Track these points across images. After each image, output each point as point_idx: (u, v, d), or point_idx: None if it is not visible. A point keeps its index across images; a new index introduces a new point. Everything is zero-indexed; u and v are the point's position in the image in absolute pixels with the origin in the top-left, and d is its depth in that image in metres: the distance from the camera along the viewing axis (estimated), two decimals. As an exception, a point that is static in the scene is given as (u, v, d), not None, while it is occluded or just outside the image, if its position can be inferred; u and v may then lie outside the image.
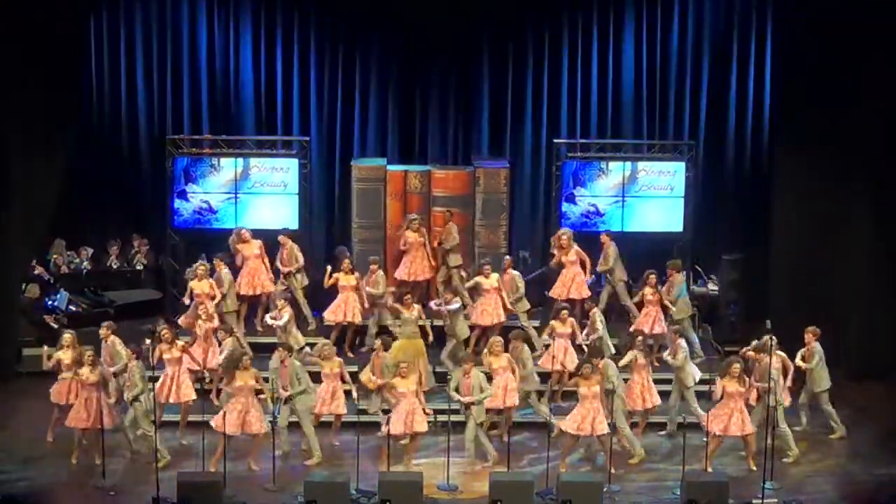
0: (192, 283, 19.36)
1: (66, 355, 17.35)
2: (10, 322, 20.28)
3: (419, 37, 22.58)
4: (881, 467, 17.31)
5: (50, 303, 21.10)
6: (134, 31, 22.75)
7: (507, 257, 20.23)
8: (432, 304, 19.31)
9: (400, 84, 23.02)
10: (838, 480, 16.90)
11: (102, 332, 17.91)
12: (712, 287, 21.73)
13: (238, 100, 22.99)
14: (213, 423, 16.68)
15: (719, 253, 22.00)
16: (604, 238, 20.64)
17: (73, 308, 21.23)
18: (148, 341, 17.62)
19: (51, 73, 20.70)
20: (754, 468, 16.88)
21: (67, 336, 17.59)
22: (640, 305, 19.79)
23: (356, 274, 19.62)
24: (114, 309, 21.53)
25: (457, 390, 17.11)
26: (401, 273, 20.34)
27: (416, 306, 18.97)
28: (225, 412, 16.66)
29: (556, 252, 20.28)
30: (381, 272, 19.80)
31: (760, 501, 15.58)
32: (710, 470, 16.70)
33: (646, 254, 20.89)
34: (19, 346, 20.35)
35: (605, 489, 16.10)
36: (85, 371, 16.81)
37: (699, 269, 21.80)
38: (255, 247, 20.06)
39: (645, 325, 19.39)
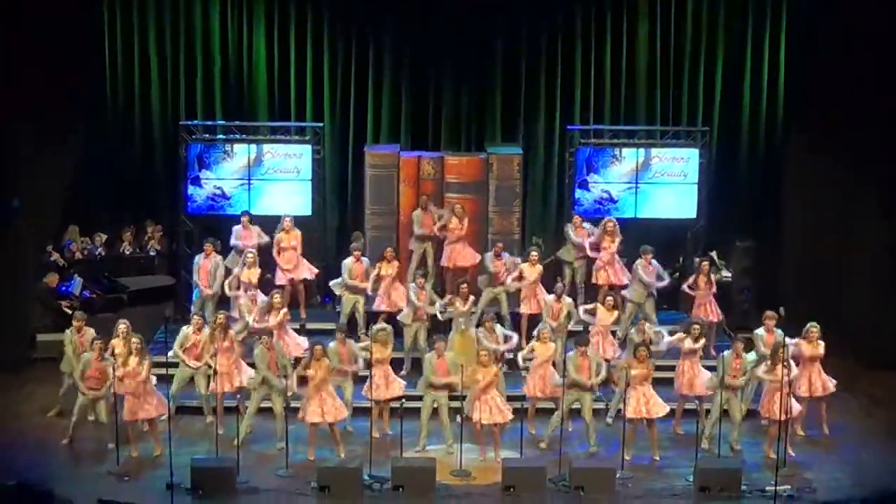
0: (245, 273, 19.34)
1: (118, 343, 17.27)
2: (23, 309, 20.34)
3: (432, 23, 22.55)
4: (893, 455, 17.29)
5: (64, 288, 21.15)
6: (147, 17, 22.72)
7: (499, 244, 20.15)
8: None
9: (413, 70, 23.00)
10: (850, 468, 16.89)
11: (76, 323, 17.88)
12: (725, 273, 21.70)
13: (251, 86, 22.99)
14: (305, 418, 16.76)
15: (732, 240, 22.02)
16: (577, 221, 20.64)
17: (86, 294, 21.27)
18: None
19: (64, 60, 20.74)
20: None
21: (122, 326, 17.39)
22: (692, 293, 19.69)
23: (397, 262, 19.68)
24: (127, 295, 21.59)
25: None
26: (443, 261, 20.35)
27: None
28: (308, 403, 16.73)
29: (601, 239, 20.17)
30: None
31: (773, 488, 15.57)
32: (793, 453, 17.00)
33: (659, 240, 20.84)
34: (33, 332, 20.42)
35: (617, 475, 16.12)
36: (133, 361, 16.74)
37: (713, 256, 21.76)
38: (293, 237, 20.10)
39: (700, 312, 19.32)
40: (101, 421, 16.98)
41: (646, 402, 16.81)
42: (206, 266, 19.57)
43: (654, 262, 19.59)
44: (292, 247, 20.12)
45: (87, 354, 16.95)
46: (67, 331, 17.92)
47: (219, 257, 19.68)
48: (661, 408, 16.95)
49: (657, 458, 17.00)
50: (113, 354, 16.99)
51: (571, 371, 17.02)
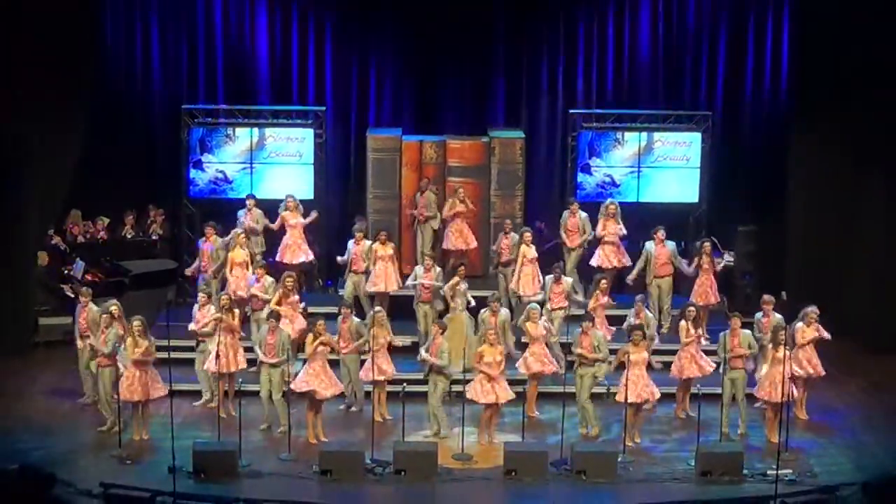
0: (233, 254, 19.44)
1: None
2: (26, 293, 20.36)
3: (435, 6, 22.49)
4: (894, 439, 17.28)
5: (66, 272, 21.16)
6: (149, 1, 22.71)
7: (507, 221, 20.21)
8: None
9: (415, 54, 22.97)
10: (852, 452, 16.91)
11: (82, 299, 17.95)
12: (727, 258, 21.69)
13: (253, 69, 22.96)
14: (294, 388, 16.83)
15: (735, 224, 21.98)
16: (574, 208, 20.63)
17: (88, 277, 21.27)
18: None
19: (67, 44, 20.70)
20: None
21: (114, 308, 17.40)
22: (694, 276, 19.69)
23: (392, 243, 19.73)
24: (129, 278, 21.56)
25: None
26: (447, 243, 20.40)
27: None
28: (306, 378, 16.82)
29: (601, 221, 20.20)
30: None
31: (775, 472, 15.58)
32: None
33: (661, 225, 20.84)
34: (36, 316, 20.44)
35: (619, 459, 16.14)
36: (143, 343, 16.75)
37: (714, 240, 21.73)
38: (295, 217, 20.11)
39: (698, 295, 19.34)
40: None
41: (644, 386, 16.85)
42: (206, 250, 19.61)
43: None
44: (292, 226, 20.12)
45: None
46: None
47: (220, 240, 19.68)
48: (652, 393, 17.02)
49: (637, 442, 17.02)
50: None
51: (574, 346, 17.19)
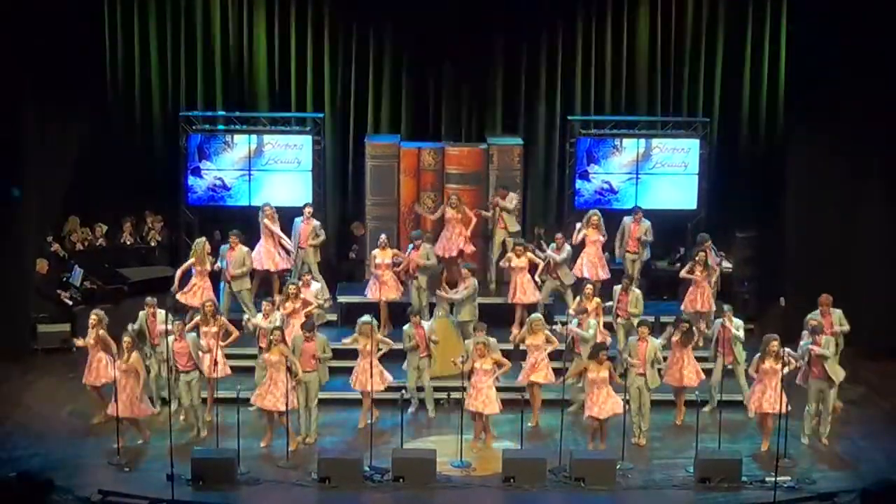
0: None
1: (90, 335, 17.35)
2: (24, 299, 20.35)
3: (433, 13, 22.51)
4: (893, 444, 17.28)
5: (64, 279, 21.16)
6: (147, 8, 22.71)
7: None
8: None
9: (414, 61, 22.98)
10: (851, 459, 16.89)
11: (149, 308, 17.87)
12: (726, 264, 21.69)
13: (252, 76, 22.96)
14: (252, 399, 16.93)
15: (733, 230, 21.99)
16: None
17: (87, 284, 21.28)
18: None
19: (65, 52, 20.72)
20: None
21: (94, 316, 17.45)
22: (687, 283, 19.62)
23: (392, 250, 19.65)
24: (128, 285, 21.59)
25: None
26: (437, 249, 20.30)
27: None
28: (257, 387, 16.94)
29: (584, 230, 20.07)
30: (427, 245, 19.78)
31: (773, 479, 15.58)
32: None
33: (660, 231, 20.86)
34: (34, 323, 20.44)
35: (618, 467, 16.12)
36: (127, 357, 16.66)
37: (713, 247, 21.74)
38: (273, 224, 20.05)
39: (687, 302, 19.32)
40: (194, 406, 17.27)
41: (600, 403, 16.66)
42: (230, 256, 19.42)
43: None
44: (273, 234, 20.00)
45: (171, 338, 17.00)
46: (141, 313, 17.87)
47: (245, 248, 19.50)
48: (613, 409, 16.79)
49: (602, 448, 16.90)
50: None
51: (629, 356, 17.14)
